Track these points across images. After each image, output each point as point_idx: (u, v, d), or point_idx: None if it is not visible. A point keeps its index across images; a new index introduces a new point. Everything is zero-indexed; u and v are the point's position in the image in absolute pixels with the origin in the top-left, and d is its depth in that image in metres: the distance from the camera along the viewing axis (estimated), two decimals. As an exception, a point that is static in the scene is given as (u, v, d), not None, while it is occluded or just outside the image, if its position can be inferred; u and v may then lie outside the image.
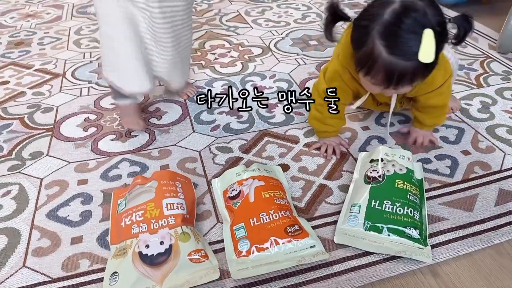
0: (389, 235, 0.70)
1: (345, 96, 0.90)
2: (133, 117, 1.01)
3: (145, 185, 0.76)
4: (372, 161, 0.82)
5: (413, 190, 0.77)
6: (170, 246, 0.66)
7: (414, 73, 0.70)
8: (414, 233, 0.70)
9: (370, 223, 0.72)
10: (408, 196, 0.75)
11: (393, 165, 0.80)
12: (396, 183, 0.76)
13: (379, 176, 0.78)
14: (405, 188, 0.76)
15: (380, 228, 0.71)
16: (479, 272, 0.69)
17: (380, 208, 0.73)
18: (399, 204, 0.73)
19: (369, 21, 0.70)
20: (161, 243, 0.67)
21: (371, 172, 0.80)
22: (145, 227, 0.69)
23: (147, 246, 0.66)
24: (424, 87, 0.85)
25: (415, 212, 0.73)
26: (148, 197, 0.74)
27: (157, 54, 0.93)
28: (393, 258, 0.70)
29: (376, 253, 0.70)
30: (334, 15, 0.78)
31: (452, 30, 0.73)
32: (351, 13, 0.78)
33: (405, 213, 0.72)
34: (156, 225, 0.69)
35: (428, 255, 0.69)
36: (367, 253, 0.71)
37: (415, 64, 0.68)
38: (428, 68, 0.70)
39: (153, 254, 0.65)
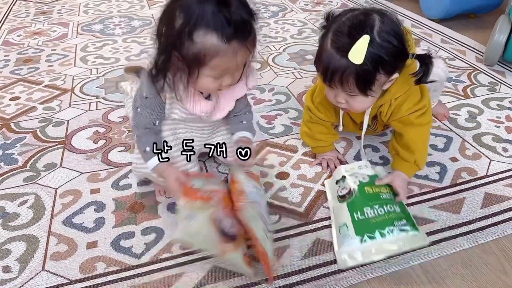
0: (383, 236, 0.73)
1: (328, 114, 0.94)
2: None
3: None
4: (337, 182, 0.86)
5: (383, 189, 0.81)
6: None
7: (344, 71, 0.73)
8: (403, 223, 0.75)
9: (362, 235, 0.73)
10: (381, 196, 0.80)
11: (356, 177, 0.83)
12: (366, 190, 0.81)
13: (349, 192, 0.81)
14: (375, 191, 0.81)
15: (374, 234, 0.73)
16: (466, 269, 0.74)
17: (364, 217, 0.76)
18: (377, 206, 0.77)
19: (332, 23, 0.77)
20: (232, 225, 0.71)
21: (341, 192, 0.83)
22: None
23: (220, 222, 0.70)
24: (395, 110, 0.86)
25: (394, 207, 0.78)
26: None
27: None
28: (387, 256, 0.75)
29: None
30: (329, 22, 0.81)
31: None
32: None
33: (386, 211, 0.76)
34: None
35: (424, 238, 0.74)
36: (363, 253, 0.76)
37: (346, 63, 0.72)
38: (359, 76, 0.73)
39: (223, 229, 0.69)
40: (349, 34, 0.72)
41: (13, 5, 2.20)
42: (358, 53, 0.71)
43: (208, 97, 0.80)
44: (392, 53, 0.73)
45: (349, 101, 0.80)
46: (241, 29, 0.65)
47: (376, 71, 0.73)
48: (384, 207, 0.77)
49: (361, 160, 0.95)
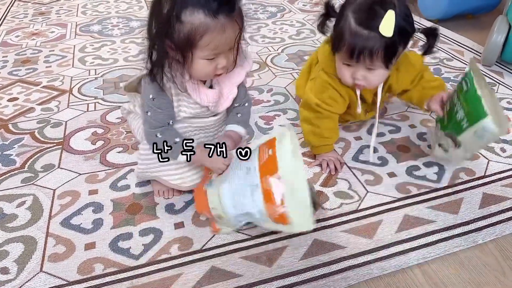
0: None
1: (337, 106, 0.96)
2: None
3: None
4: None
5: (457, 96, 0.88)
6: None
7: (373, 46, 0.80)
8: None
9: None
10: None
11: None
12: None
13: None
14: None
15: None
16: (465, 269, 0.74)
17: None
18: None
19: (348, 2, 0.85)
20: None
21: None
22: None
23: None
24: (406, 76, 0.96)
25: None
26: None
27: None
28: (385, 257, 0.75)
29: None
30: (329, 10, 0.91)
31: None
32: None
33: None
34: None
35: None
36: (361, 254, 0.76)
37: (376, 37, 0.79)
38: (387, 48, 0.81)
39: None
40: (373, 11, 0.79)
41: (12, 5, 2.20)
42: (388, 26, 0.78)
43: (210, 88, 0.81)
44: (411, 25, 0.83)
45: (367, 76, 0.87)
46: (226, 3, 0.67)
47: (401, 42, 0.83)
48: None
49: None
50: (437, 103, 0.93)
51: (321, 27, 0.92)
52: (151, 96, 0.77)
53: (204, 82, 0.79)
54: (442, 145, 0.91)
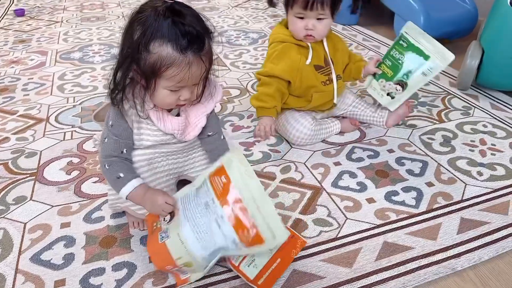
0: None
1: (276, 68, 1.07)
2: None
3: None
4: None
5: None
6: None
7: None
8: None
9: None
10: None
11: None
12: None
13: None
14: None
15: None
16: (444, 298, 0.73)
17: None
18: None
19: None
20: None
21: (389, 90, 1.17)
22: None
23: None
24: (342, 44, 1.18)
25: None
26: None
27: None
28: (364, 287, 0.74)
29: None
30: None
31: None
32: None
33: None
34: None
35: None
36: (340, 284, 0.75)
37: None
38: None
39: None
40: None
41: (-8, 33, 2.18)
42: None
43: (177, 116, 0.81)
44: None
45: (317, 26, 1.04)
46: (195, 41, 0.68)
47: None
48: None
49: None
50: (373, 67, 1.18)
51: (270, 1, 1.11)
52: (110, 123, 0.76)
53: (170, 110, 0.79)
54: (391, 93, 1.15)
